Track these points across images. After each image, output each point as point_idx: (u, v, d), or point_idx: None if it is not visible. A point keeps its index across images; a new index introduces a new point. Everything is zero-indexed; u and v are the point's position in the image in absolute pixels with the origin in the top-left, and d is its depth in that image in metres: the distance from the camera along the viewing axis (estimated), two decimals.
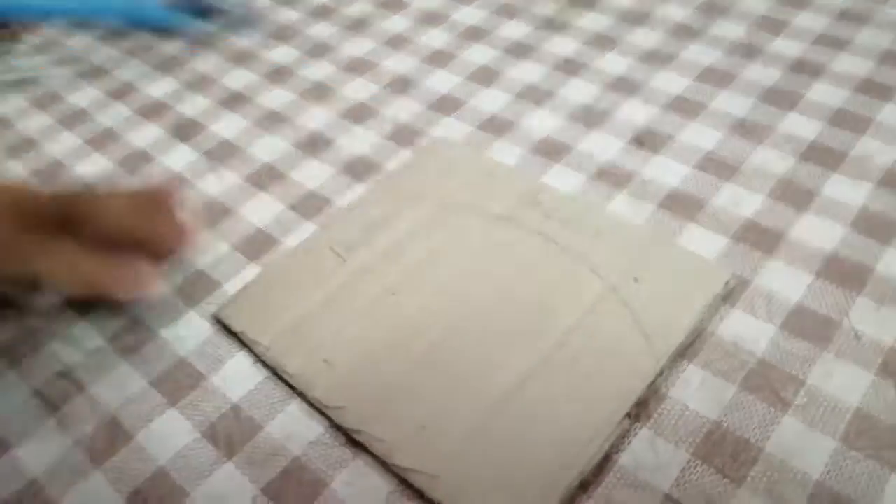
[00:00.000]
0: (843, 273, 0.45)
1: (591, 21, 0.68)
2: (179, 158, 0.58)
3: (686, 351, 0.42)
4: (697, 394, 0.40)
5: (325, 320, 0.45)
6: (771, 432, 0.38)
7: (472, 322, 0.44)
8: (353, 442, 0.39)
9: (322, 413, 0.41)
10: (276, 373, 0.43)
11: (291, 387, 0.42)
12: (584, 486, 0.37)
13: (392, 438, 0.39)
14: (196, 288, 0.48)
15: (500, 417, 0.39)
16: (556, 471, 0.37)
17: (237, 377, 0.43)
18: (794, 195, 0.50)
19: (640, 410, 0.40)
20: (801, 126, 0.55)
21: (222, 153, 0.58)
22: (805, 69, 0.60)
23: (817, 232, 0.47)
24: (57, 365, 0.45)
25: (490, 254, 0.47)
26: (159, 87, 0.66)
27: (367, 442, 0.39)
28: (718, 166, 0.52)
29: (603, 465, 0.38)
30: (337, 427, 0.40)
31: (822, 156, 0.52)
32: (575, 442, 0.38)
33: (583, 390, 0.40)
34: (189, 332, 0.46)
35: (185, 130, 0.61)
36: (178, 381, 0.43)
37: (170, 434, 0.41)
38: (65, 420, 0.42)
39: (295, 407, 0.41)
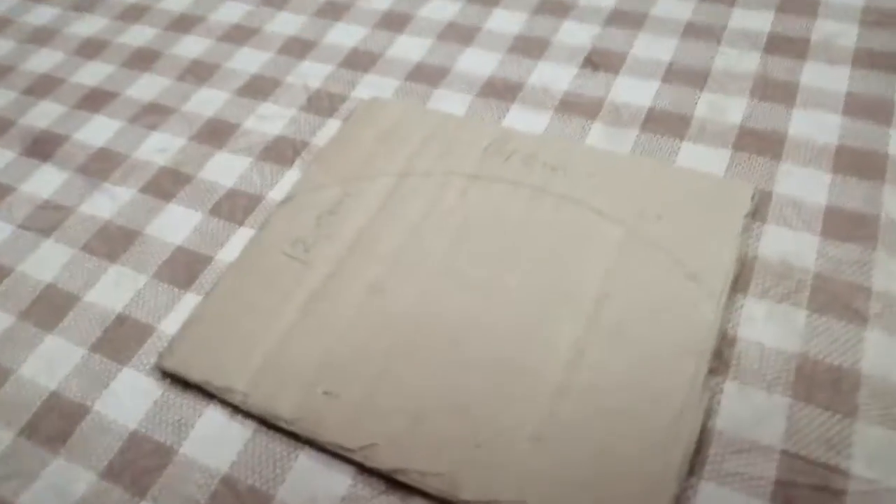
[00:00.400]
0: (859, 164, 0.41)
1: None
2: (45, 182, 0.46)
3: (737, 283, 0.36)
4: (768, 328, 0.35)
5: (307, 342, 0.35)
6: (861, 352, 0.34)
7: (488, 305, 0.36)
8: (398, 484, 0.31)
9: (345, 458, 0.32)
10: (266, 422, 0.33)
11: (293, 435, 0.33)
12: (690, 467, 0.31)
13: (449, 469, 0.31)
14: (122, 338, 0.37)
15: (566, 411, 0.32)
16: (656, 465, 0.30)
17: (215, 440, 0.33)
18: (776, 91, 0.45)
19: (717, 362, 0.34)
20: (752, 19, 0.50)
21: (100, 166, 0.47)
22: None
23: (815, 126, 0.43)
24: None
25: (478, 219, 0.40)
26: None
27: (418, 481, 0.31)
28: (686, 76, 0.47)
29: (701, 438, 0.32)
30: (370, 471, 0.32)
31: (786, 46, 0.48)
32: (662, 421, 0.31)
33: (648, 354, 0.33)
34: (131, 396, 0.35)
35: (42, 146, 0.48)
36: (138, 464, 0.33)
37: None
38: None
39: (306, 459, 0.32)
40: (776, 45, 0.48)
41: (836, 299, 0.35)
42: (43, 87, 0.53)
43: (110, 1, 0.60)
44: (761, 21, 0.50)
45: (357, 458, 0.31)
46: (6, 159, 0.48)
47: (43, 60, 0.56)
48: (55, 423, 0.34)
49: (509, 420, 0.32)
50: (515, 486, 0.30)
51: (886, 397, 0.32)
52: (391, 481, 0.31)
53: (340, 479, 0.32)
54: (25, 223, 0.44)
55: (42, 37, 0.58)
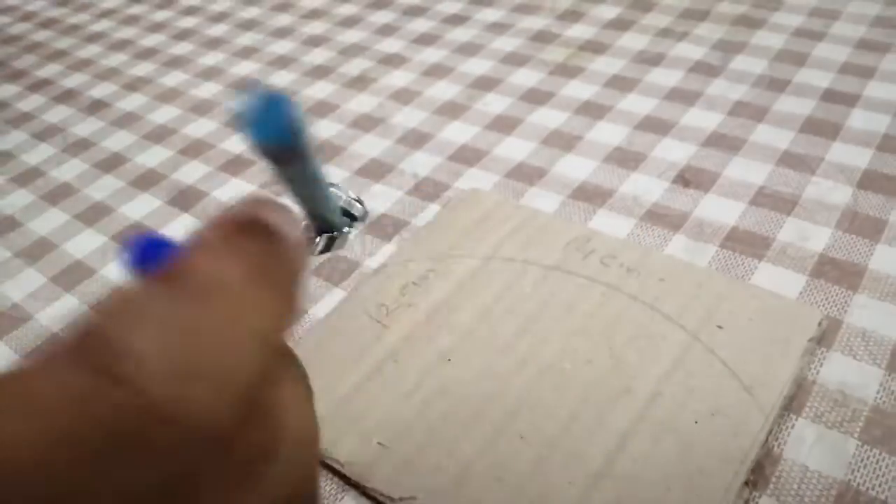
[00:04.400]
0: None
1: (605, 65, 0.65)
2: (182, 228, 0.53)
3: (791, 404, 0.37)
4: (815, 451, 0.35)
5: (374, 396, 0.39)
6: None
7: (546, 385, 0.38)
8: None
9: None
10: (322, 462, 0.37)
11: (343, 477, 0.36)
12: None
13: None
14: None
15: (600, 496, 0.33)
16: None
17: None
18: (863, 225, 0.46)
19: (757, 476, 0.34)
20: (850, 155, 0.52)
21: None
22: (838, 99, 0.57)
23: None
24: None
25: (549, 308, 0.42)
26: (153, 156, 0.61)
27: None
28: (774, 201, 0.49)
29: None
30: None
31: (881, 183, 0.49)
32: None
33: (690, 455, 0.34)
34: None
35: (185, 199, 0.56)
36: None
37: None
38: None
39: (350, 501, 0.35)
40: (871, 181, 0.49)
41: (892, 434, 0.35)
42: (195, 150, 0.61)
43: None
44: (859, 157, 0.51)
45: None
46: (153, 206, 0.56)
47: (200, 127, 0.64)
48: None
49: (545, 496, 0.34)
50: None
51: None
52: None
53: None
54: None
55: (203, 108, 0.67)
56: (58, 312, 0.48)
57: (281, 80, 0.69)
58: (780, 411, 0.36)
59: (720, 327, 0.40)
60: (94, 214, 0.55)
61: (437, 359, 0.40)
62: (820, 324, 0.40)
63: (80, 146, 0.64)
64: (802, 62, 0.61)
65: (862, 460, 0.35)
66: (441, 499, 0.34)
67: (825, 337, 0.40)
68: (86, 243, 0.53)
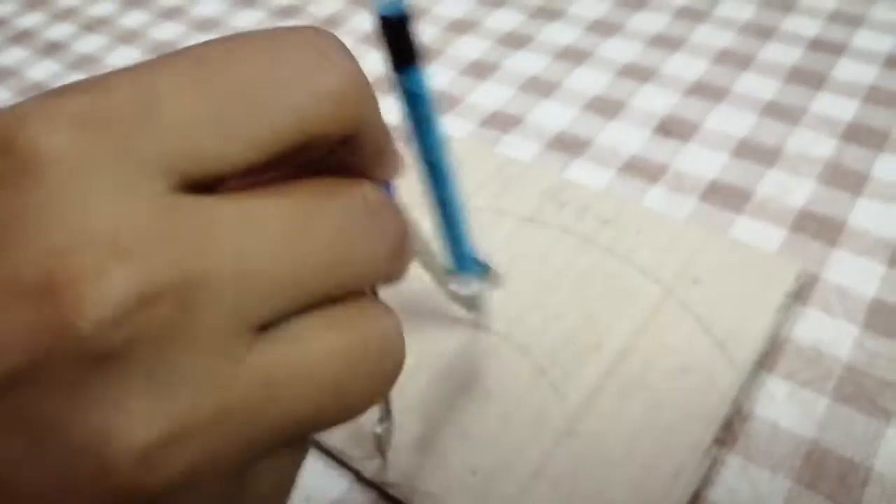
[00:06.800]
0: None
1: (587, 7, 0.62)
2: None
3: (764, 361, 0.36)
4: (786, 410, 0.34)
5: None
6: (877, 448, 0.33)
7: (512, 342, 0.37)
8: (391, 497, 0.33)
9: (344, 465, 0.34)
10: None
11: None
12: None
13: (440, 491, 0.32)
14: None
15: (568, 453, 0.33)
16: None
17: None
18: (845, 179, 0.45)
19: (726, 434, 0.34)
20: (835, 106, 0.50)
21: None
22: (825, 48, 0.55)
23: (878, 217, 0.42)
24: None
25: (521, 260, 0.41)
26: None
27: (407, 498, 0.32)
28: (756, 153, 0.47)
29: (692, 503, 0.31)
30: (366, 481, 0.33)
31: (865, 136, 0.48)
32: (657, 478, 0.31)
33: (658, 412, 0.34)
34: None
35: None
36: None
37: None
38: None
39: (309, 458, 0.34)
40: (855, 133, 0.48)
41: (863, 392, 0.35)
42: None
43: (269, 3, 0.66)
44: (844, 109, 0.50)
45: (356, 466, 0.33)
46: None
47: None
48: None
49: (511, 454, 0.33)
50: None
51: (894, 499, 0.31)
52: (384, 494, 0.33)
53: (337, 483, 0.33)
54: None
55: (163, 49, 0.64)
56: None
57: (248, 18, 0.66)
58: (752, 368, 0.35)
59: (695, 282, 0.39)
60: None
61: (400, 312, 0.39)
62: (797, 278, 0.39)
63: (34, 90, 0.61)
64: (791, 7, 0.59)
65: (832, 418, 0.34)
66: (401, 456, 0.33)
67: (801, 293, 0.39)
68: None
